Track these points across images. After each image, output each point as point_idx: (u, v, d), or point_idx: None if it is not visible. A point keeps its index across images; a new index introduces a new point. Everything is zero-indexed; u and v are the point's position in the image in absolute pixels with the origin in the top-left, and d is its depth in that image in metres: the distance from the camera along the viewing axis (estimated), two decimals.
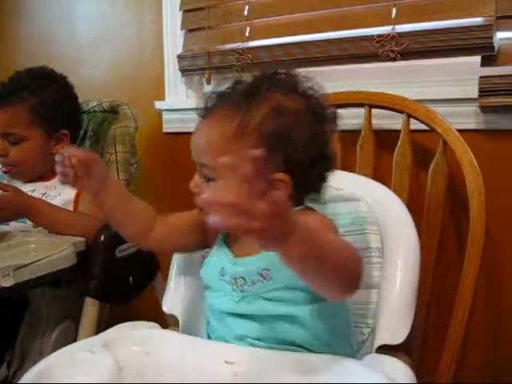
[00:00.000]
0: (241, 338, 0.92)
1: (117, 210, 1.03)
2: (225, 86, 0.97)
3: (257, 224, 0.60)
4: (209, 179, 0.92)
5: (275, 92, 0.92)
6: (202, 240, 1.06)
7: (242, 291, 0.92)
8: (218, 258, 0.98)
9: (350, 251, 0.81)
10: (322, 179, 0.97)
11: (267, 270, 0.89)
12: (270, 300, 0.88)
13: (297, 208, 0.92)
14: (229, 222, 0.59)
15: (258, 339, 0.90)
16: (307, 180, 0.92)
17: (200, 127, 0.96)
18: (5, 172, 1.59)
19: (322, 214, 0.94)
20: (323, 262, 0.72)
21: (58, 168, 0.96)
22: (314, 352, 0.89)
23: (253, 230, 0.60)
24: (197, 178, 0.96)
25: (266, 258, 0.89)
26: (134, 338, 0.96)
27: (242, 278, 0.92)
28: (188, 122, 1.74)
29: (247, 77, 0.98)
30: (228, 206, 0.59)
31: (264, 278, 0.89)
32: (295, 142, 0.89)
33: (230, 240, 0.99)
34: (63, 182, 0.97)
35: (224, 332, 0.95)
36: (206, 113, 0.96)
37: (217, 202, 0.59)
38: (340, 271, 0.76)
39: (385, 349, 0.98)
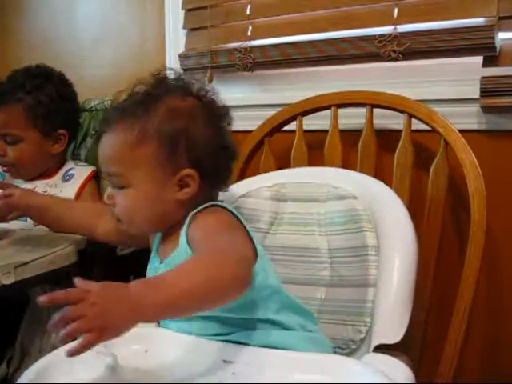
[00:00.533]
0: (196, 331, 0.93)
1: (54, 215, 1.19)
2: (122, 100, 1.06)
3: (93, 334, 0.65)
4: (121, 187, 0.97)
5: (169, 96, 0.98)
6: (146, 238, 1.10)
7: None
8: (152, 263, 1.03)
9: (215, 258, 0.80)
10: (228, 169, 1.03)
11: None
12: None
13: (202, 206, 0.95)
14: (77, 348, 0.65)
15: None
16: (214, 172, 0.98)
17: (103, 140, 0.99)
18: (4, 171, 1.61)
19: (225, 211, 0.97)
20: (188, 297, 0.75)
21: None
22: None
23: (94, 339, 0.65)
24: (110, 190, 1.01)
25: (171, 263, 0.93)
26: (132, 337, 0.94)
27: None
28: None
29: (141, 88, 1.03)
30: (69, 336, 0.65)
31: None
32: (194, 139, 0.96)
33: (159, 245, 1.04)
34: None
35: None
36: (107, 127, 0.99)
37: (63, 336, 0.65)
38: (207, 289, 0.77)
39: (383, 348, 0.98)
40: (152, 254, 1.05)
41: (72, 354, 0.65)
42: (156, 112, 0.95)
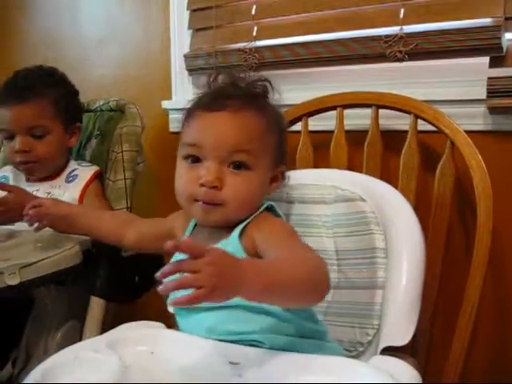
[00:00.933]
0: (209, 331, 0.93)
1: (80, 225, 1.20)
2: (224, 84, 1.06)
3: (205, 290, 0.67)
4: (239, 168, 0.97)
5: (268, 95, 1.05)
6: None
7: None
8: (178, 258, 1.01)
9: (309, 263, 0.84)
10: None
11: None
12: None
13: (260, 210, 0.99)
14: (183, 299, 0.67)
15: (227, 330, 0.92)
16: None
17: (221, 115, 0.98)
18: (25, 169, 1.58)
19: (281, 218, 1.02)
20: (283, 290, 0.78)
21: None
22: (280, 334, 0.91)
23: (204, 295, 0.67)
24: (213, 169, 0.96)
25: (227, 248, 0.92)
26: (138, 338, 0.95)
27: None
28: None
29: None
30: (177, 286, 0.67)
31: None
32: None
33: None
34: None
35: (191, 328, 0.96)
36: (219, 103, 0.99)
37: (172, 286, 0.67)
38: (303, 288, 0.81)
39: (390, 350, 0.98)
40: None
41: (175, 303, 0.68)
42: (271, 108, 1.02)
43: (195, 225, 1.07)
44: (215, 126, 0.97)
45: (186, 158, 1.00)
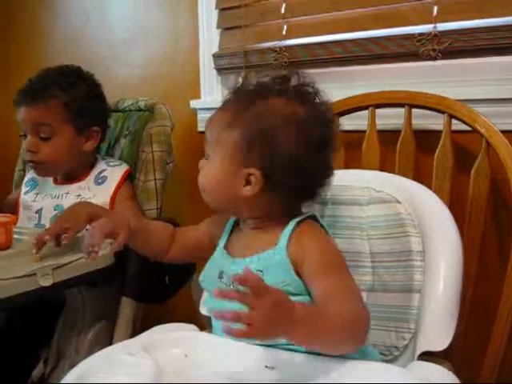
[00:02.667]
0: None
1: (139, 241, 1.13)
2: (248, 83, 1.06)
3: (254, 330, 0.72)
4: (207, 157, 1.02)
5: (277, 97, 0.99)
6: (213, 251, 1.09)
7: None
8: (217, 263, 1.04)
9: (352, 311, 0.86)
10: (311, 188, 1.02)
11: (260, 271, 0.94)
12: None
13: (303, 216, 0.99)
14: (234, 332, 0.72)
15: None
16: (285, 184, 0.97)
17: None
18: (32, 168, 1.61)
19: (323, 231, 1.01)
20: (325, 340, 0.83)
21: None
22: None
23: (252, 334, 0.72)
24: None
25: (260, 261, 0.96)
26: (172, 341, 0.95)
27: None
28: None
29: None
30: (233, 320, 0.71)
31: None
32: (274, 145, 0.95)
33: (228, 245, 1.06)
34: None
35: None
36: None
37: (229, 316, 0.71)
38: (343, 337, 0.85)
39: (427, 355, 0.96)
40: (218, 250, 1.06)
41: (227, 332, 0.72)
42: (254, 106, 0.98)
43: (233, 226, 1.08)
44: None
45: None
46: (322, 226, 1.02)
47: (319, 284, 0.91)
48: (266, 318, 0.72)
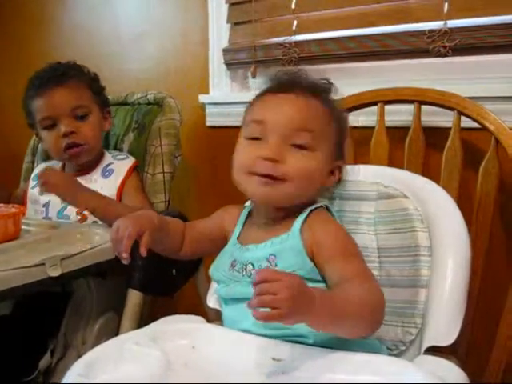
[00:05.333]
0: (256, 323, 0.89)
1: (158, 241, 1.06)
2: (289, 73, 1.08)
3: (280, 311, 0.74)
4: (304, 148, 0.97)
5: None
6: (225, 244, 1.09)
7: (249, 276, 0.97)
8: (230, 252, 1.04)
9: (369, 294, 0.88)
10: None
11: (273, 255, 0.95)
12: None
13: (318, 205, 1.01)
14: (261, 315, 0.74)
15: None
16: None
17: (289, 97, 1.00)
18: (73, 154, 1.56)
19: (337, 221, 1.03)
20: (344, 323, 0.85)
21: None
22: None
23: (279, 316, 0.74)
24: (274, 146, 0.97)
25: (273, 245, 0.97)
26: (180, 332, 0.95)
27: (251, 263, 0.98)
28: (231, 116, 1.74)
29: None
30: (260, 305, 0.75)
31: (270, 264, 0.95)
32: (346, 135, 1.05)
33: (241, 236, 1.06)
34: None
35: (239, 318, 0.96)
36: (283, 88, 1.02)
37: (254, 304, 0.75)
38: (363, 323, 0.87)
39: (433, 350, 0.96)
40: (231, 242, 1.06)
41: (257, 317, 0.74)
42: (335, 103, 1.04)
43: (246, 218, 1.08)
44: (281, 105, 0.99)
45: (250, 138, 1.00)
46: (333, 216, 1.03)
47: (336, 268, 0.92)
48: (290, 298, 0.74)
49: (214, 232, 1.12)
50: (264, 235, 1.00)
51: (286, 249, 0.95)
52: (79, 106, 1.55)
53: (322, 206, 1.02)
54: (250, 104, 1.06)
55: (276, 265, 0.94)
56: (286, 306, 0.73)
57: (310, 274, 0.93)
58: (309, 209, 0.99)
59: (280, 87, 1.02)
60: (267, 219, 1.02)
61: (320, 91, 1.03)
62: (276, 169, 0.94)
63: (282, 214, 1.00)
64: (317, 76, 1.07)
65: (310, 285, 0.88)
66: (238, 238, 1.06)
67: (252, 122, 1.01)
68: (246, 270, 0.98)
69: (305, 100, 0.99)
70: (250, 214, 1.09)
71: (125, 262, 0.97)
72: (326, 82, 1.07)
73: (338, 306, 0.82)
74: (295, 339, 0.90)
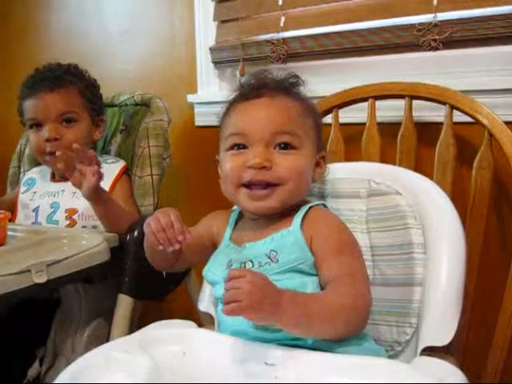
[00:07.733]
0: (253, 324, 0.90)
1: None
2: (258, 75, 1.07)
3: (241, 304, 0.76)
4: (288, 148, 0.98)
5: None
6: (214, 250, 1.08)
7: None
8: (224, 253, 1.03)
9: (345, 296, 0.87)
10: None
11: (274, 251, 0.95)
12: (276, 281, 0.84)
13: (314, 203, 1.02)
14: (227, 310, 0.77)
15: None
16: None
17: (265, 102, 1.00)
18: (53, 160, 1.51)
19: (335, 214, 1.04)
20: (314, 324, 0.83)
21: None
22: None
23: (240, 309, 0.76)
24: (261, 153, 0.96)
25: (274, 241, 0.96)
26: (170, 338, 0.93)
27: (250, 261, 0.96)
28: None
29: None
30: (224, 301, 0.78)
31: (271, 260, 0.94)
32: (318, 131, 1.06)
33: (233, 237, 1.05)
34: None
35: (236, 320, 0.90)
36: (259, 91, 1.02)
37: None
38: (333, 323, 0.85)
39: (429, 350, 0.94)
40: (223, 243, 1.05)
41: (224, 313, 0.77)
42: (305, 97, 1.05)
43: (236, 220, 1.07)
44: (255, 112, 1.00)
45: (231, 148, 1.00)
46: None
47: (328, 262, 0.92)
48: (250, 292, 0.76)
49: (204, 241, 1.10)
50: (262, 233, 0.99)
51: (287, 244, 0.95)
52: (67, 112, 1.53)
53: (318, 205, 1.02)
54: (224, 115, 1.06)
55: (277, 260, 0.93)
56: (246, 298, 0.76)
57: (313, 268, 0.93)
58: (307, 205, 0.99)
59: (250, 92, 1.02)
60: (264, 219, 1.01)
61: (290, 88, 1.04)
62: (270, 174, 0.95)
63: (279, 213, 1.00)
64: (282, 73, 1.07)
65: (313, 279, 0.91)
66: (230, 240, 1.04)
67: (231, 135, 1.00)
68: (244, 268, 0.96)
69: (279, 101, 1.00)
70: (240, 215, 1.07)
71: (177, 247, 0.96)
72: (292, 76, 1.06)
73: (310, 308, 0.83)
74: (293, 342, 0.87)
